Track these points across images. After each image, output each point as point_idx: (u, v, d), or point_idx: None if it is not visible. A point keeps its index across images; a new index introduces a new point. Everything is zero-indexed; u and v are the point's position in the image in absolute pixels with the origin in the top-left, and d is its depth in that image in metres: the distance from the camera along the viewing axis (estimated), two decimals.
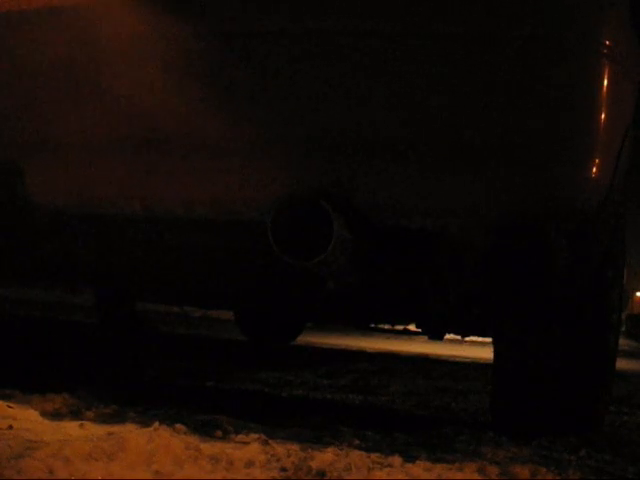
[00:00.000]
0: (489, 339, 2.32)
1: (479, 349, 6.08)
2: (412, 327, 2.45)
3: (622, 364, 4.10)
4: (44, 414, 1.85)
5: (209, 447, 1.56)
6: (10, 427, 1.67)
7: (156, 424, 1.66)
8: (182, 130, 1.86)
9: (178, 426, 1.71)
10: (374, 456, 1.61)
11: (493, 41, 1.70)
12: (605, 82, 1.72)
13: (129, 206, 1.92)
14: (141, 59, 1.88)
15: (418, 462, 1.59)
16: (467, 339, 2.99)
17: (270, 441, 1.65)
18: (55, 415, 1.87)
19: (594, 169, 1.73)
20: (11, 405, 1.87)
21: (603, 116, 1.72)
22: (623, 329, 17.34)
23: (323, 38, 1.78)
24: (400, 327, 2.62)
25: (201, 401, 2.35)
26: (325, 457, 1.54)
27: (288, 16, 1.81)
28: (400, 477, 1.47)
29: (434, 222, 1.77)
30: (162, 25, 1.86)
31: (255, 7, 1.83)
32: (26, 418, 1.78)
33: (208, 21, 1.85)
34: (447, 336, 2.58)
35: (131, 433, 1.56)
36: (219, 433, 1.80)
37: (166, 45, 1.86)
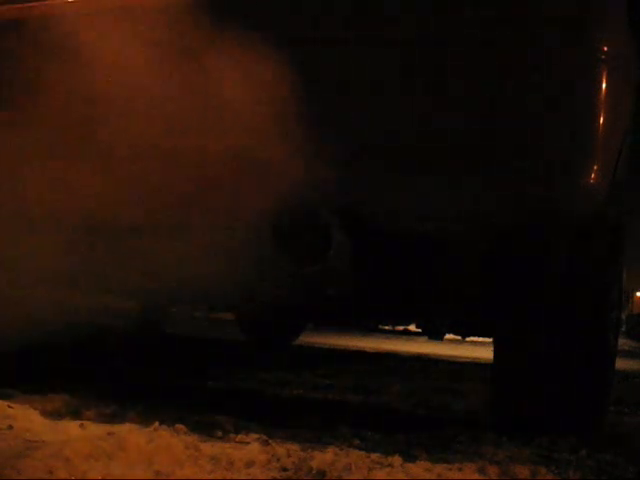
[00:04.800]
0: (489, 339, 2.32)
1: (479, 349, 6.08)
2: (412, 327, 2.46)
3: (622, 364, 4.10)
4: (44, 414, 1.85)
5: (209, 447, 1.56)
6: (10, 427, 1.67)
7: (156, 424, 1.66)
8: (187, 139, 1.86)
9: (178, 426, 1.71)
10: (374, 456, 1.61)
11: (490, 47, 1.70)
12: (603, 87, 1.72)
13: (136, 216, 1.93)
14: (130, 66, 1.87)
15: (418, 462, 1.59)
16: (467, 339, 2.99)
17: (270, 441, 1.65)
18: (55, 415, 1.87)
19: (593, 173, 1.74)
20: (11, 405, 1.87)
21: (602, 121, 1.72)
22: (623, 329, 17.34)
23: (324, 46, 1.79)
24: (400, 327, 2.62)
25: (201, 401, 2.35)
26: (325, 457, 1.54)
27: (291, 26, 1.81)
28: (400, 477, 1.47)
29: (434, 226, 1.77)
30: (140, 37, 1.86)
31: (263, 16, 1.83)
32: (26, 418, 1.78)
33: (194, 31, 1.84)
34: (447, 336, 2.59)
35: (131, 433, 1.56)
36: (219, 433, 1.80)
37: (162, 52, 1.85)
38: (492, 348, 2.22)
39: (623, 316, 17.26)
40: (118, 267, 2.19)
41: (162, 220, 1.95)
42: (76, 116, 1.93)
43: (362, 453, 1.63)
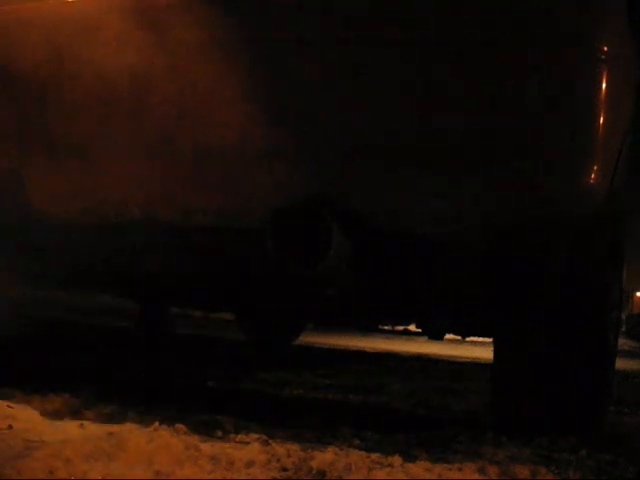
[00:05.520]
0: (489, 339, 2.32)
1: (479, 349, 6.08)
2: (412, 327, 2.46)
3: (622, 364, 4.10)
4: (44, 414, 1.85)
5: (209, 447, 1.56)
6: (10, 427, 1.67)
7: (156, 424, 1.66)
8: (184, 139, 1.86)
9: (178, 426, 1.71)
10: (374, 456, 1.61)
11: (489, 47, 1.70)
12: (603, 87, 1.72)
13: (131, 213, 1.93)
14: (140, 63, 1.87)
15: (418, 462, 1.59)
16: (467, 339, 2.99)
17: (270, 441, 1.65)
18: (55, 415, 1.87)
19: (593, 173, 1.74)
20: (11, 405, 1.87)
21: (602, 121, 1.72)
22: (623, 329, 17.34)
23: (317, 46, 1.78)
24: (400, 327, 2.63)
25: (201, 401, 2.35)
26: (325, 457, 1.54)
27: (283, 25, 1.81)
28: (400, 477, 1.47)
29: (433, 227, 1.77)
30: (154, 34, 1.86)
31: (257, 16, 1.83)
32: (26, 418, 1.78)
33: (210, 28, 1.84)
34: (447, 336, 2.58)
35: (131, 433, 1.56)
36: (219, 433, 1.80)
37: (166, 50, 1.85)
38: (492, 348, 2.23)
39: (623, 316, 17.26)
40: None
41: (162, 219, 1.95)
42: None
43: (362, 453, 1.63)
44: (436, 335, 2.53)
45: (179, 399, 2.30)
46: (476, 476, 1.55)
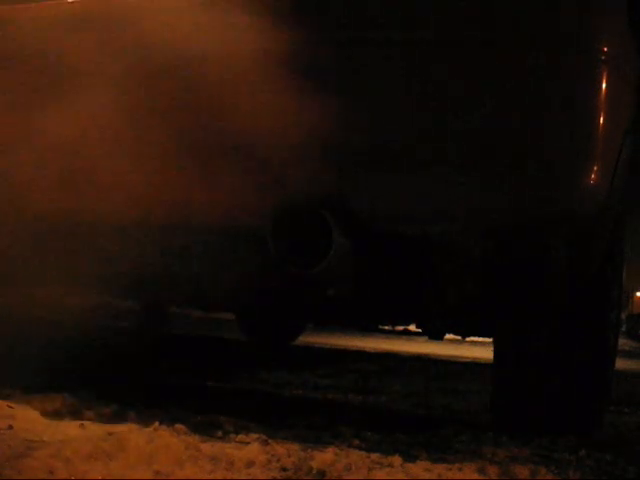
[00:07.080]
0: (489, 339, 2.32)
1: (479, 349, 6.07)
2: (412, 327, 2.45)
3: (622, 364, 4.10)
4: (44, 414, 1.85)
5: (209, 447, 1.56)
6: (10, 427, 1.67)
7: (156, 424, 1.66)
8: (183, 138, 1.86)
9: (178, 426, 1.71)
10: (374, 456, 1.61)
11: (489, 48, 1.70)
12: (603, 88, 1.72)
13: (132, 215, 1.93)
14: (131, 65, 1.87)
15: (418, 462, 1.59)
16: (467, 339, 2.99)
17: (270, 441, 1.65)
18: (55, 415, 1.87)
19: (593, 174, 1.73)
20: (11, 405, 1.87)
21: (602, 121, 1.72)
22: (623, 329, 17.35)
23: (316, 46, 1.78)
24: (400, 327, 2.63)
25: (201, 401, 2.35)
26: (325, 457, 1.54)
27: (283, 26, 1.81)
28: (400, 477, 1.47)
29: (433, 227, 1.77)
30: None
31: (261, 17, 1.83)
32: (26, 418, 1.78)
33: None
34: (447, 336, 2.58)
35: (131, 433, 1.56)
36: (219, 433, 1.80)
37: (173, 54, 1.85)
38: (492, 348, 2.23)
39: (623, 316, 17.25)
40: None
41: (161, 220, 1.95)
42: None
43: (362, 453, 1.63)
44: (436, 335, 2.53)
45: (179, 399, 2.30)
46: (476, 476, 1.55)
